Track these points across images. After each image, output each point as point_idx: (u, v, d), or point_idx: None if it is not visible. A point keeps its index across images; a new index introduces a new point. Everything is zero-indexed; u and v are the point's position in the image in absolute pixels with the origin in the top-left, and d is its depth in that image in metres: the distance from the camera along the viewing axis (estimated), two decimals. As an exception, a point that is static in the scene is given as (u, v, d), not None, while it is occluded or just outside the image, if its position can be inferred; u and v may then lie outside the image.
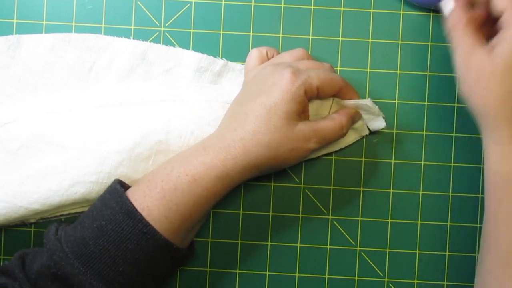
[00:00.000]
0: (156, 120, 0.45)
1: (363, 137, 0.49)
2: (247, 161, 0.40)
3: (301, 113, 0.42)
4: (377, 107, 0.46)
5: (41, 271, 0.38)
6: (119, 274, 0.39)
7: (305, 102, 0.42)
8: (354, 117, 0.45)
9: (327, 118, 0.44)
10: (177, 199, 0.40)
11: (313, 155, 0.48)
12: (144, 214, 0.39)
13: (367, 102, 0.45)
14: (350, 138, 0.48)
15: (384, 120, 0.47)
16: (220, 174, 0.40)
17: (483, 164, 0.49)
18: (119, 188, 0.41)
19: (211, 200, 0.41)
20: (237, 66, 0.49)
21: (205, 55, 0.48)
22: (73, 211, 0.46)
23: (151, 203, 0.39)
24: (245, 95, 0.43)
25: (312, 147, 0.42)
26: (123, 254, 0.38)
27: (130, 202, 0.39)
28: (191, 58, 0.48)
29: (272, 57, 0.47)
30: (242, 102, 0.43)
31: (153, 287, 0.41)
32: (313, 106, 0.45)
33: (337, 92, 0.44)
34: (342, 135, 0.44)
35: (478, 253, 0.49)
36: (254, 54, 0.46)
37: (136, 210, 0.39)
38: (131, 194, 0.40)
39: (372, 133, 0.48)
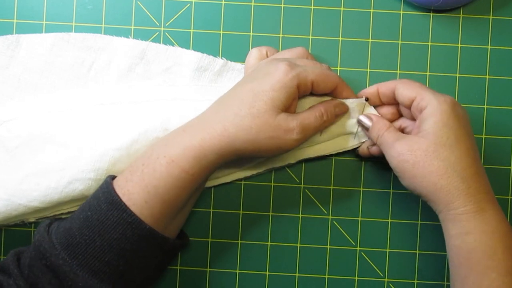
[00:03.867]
0: (155, 118, 0.45)
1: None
2: (225, 141, 0.40)
3: (288, 108, 0.42)
4: (372, 107, 0.46)
5: (32, 264, 0.39)
6: (105, 264, 0.39)
7: (295, 95, 0.42)
8: (336, 107, 0.45)
9: (308, 109, 0.44)
10: (156, 182, 0.40)
11: (310, 155, 0.47)
12: (125, 199, 0.39)
13: (362, 100, 0.45)
14: (350, 143, 0.48)
15: None
16: (198, 155, 0.40)
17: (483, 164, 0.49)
18: (109, 180, 0.41)
19: (190, 183, 0.40)
20: (237, 65, 0.49)
21: (205, 55, 0.48)
22: (72, 210, 0.46)
23: (131, 187, 0.40)
24: (238, 83, 0.43)
25: (294, 138, 0.41)
26: (109, 244, 0.39)
27: (115, 192, 0.40)
28: (190, 57, 0.48)
29: (272, 56, 0.47)
30: (233, 87, 0.43)
31: (142, 278, 0.41)
32: (310, 104, 0.45)
33: (332, 90, 0.44)
34: (324, 122, 0.43)
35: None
36: (254, 53, 0.46)
37: (121, 200, 0.39)
38: (116, 182, 0.41)
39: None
